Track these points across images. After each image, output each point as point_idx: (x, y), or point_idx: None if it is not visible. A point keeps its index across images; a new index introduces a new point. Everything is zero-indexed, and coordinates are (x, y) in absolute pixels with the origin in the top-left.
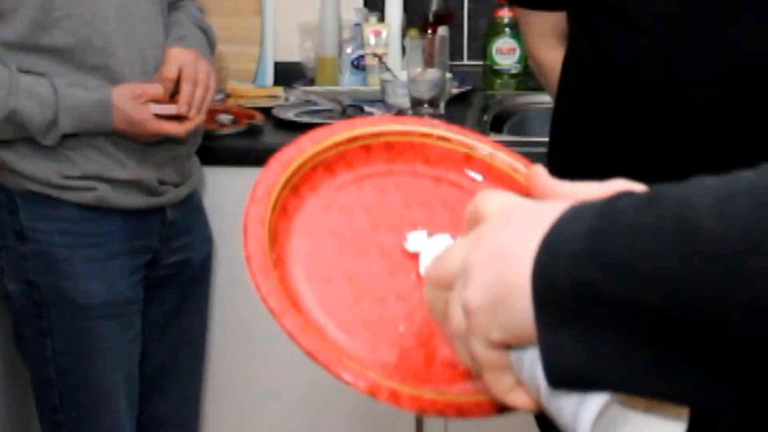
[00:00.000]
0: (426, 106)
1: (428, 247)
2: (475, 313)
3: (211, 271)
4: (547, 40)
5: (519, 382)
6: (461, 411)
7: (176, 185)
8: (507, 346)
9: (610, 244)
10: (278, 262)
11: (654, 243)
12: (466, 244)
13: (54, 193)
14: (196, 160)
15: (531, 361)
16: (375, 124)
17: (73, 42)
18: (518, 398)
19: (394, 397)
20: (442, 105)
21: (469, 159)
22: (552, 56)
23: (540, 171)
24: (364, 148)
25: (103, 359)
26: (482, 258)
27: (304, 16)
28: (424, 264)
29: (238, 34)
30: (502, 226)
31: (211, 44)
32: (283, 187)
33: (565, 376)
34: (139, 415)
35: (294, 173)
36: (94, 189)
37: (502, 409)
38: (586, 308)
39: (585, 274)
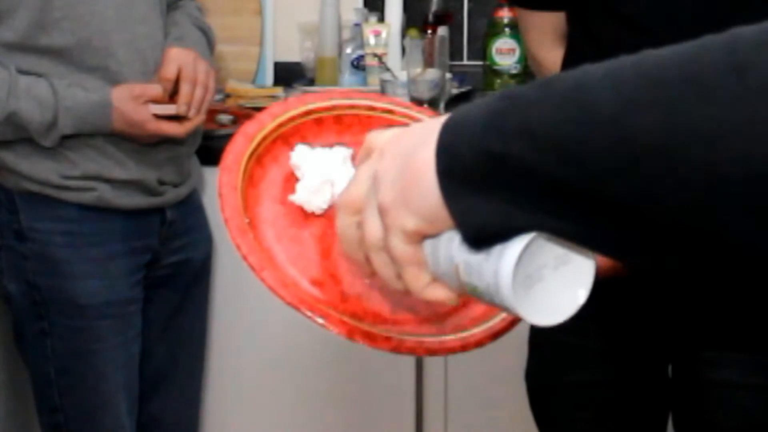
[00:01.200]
0: (426, 106)
1: (311, 158)
2: (389, 208)
3: (211, 271)
4: (547, 40)
5: (435, 279)
6: (429, 350)
7: (176, 185)
8: (422, 238)
9: (509, 116)
10: (251, 224)
11: (550, 111)
12: (369, 165)
13: (54, 193)
14: (195, 160)
15: (446, 242)
16: (325, 99)
17: (72, 43)
18: (436, 292)
19: (370, 338)
20: (441, 105)
21: None
22: (552, 56)
23: None
24: (317, 122)
25: (102, 359)
26: (387, 163)
27: (304, 16)
28: (309, 177)
29: (237, 34)
30: (401, 136)
31: (210, 44)
32: (249, 158)
33: (480, 233)
34: (139, 415)
35: (258, 145)
36: (93, 189)
37: (464, 346)
38: (488, 173)
39: (486, 142)
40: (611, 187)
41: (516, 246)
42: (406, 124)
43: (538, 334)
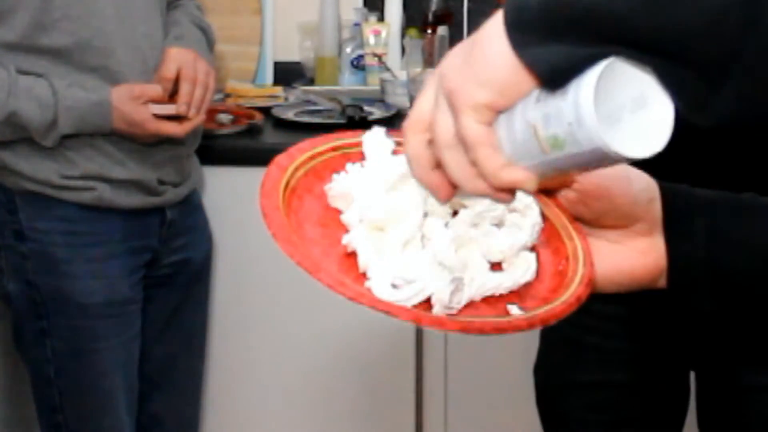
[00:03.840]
0: None
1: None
2: (457, 88)
3: (211, 271)
4: None
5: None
6: (498, 328)
7: (176, 185)
8: (493, 116)
9: None
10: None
11: None
12: (431, 81)
13: (53, 193)
14: (195, 159)
15: (520, 110)
16: (353, 136)
17: (71, 42)
18: (513, 172)
19: (439, 322)
20: None
21: None
22: None
23: None
24: (344, 156)
25: (102, 359)
26: (449, 60)
27: (304, 15)
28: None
29: (237, 33)
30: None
31: (209, 43)
32: (284, 188)
33: (554, 72)
34: (139, 415)
35: (290, 176)
36: (93, 189)
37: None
38: (555, 17)
39: None
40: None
41: (592, 72)
42: None
43: (553, 329)
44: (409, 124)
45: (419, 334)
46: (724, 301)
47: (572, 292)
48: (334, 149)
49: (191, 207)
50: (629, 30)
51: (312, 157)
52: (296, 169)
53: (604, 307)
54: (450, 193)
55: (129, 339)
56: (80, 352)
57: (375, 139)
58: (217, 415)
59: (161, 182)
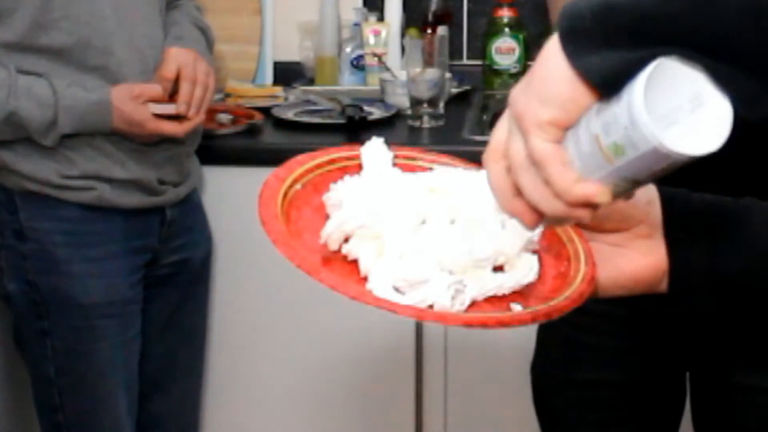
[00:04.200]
0: (425, 105)
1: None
2: (523, 111)
3: (211, 271)
4: None
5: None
6: (468, 322)
7: (176, 185)
8: (560, 133)
9: None
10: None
11: None
12: (505, 115)
13: (53, 192)
14: (195, 159)
15: (584, 124)
16: (351, 150)
17: (71, 42)
18: (584, 187)
19: (441, 317)
20: (441, 105)
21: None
22: None
23: None
24: (341, 170)
25: (102, 359)
26: (517, 88)
27: (304, 15)
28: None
29: (237, 33)
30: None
31: (209, 43)
32: (282, 199)
33: (608, 79)
34: (140, 415)
35: (288, 188)
36: (93, 189)
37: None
38: (607, 24)
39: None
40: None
41: (642, 73)
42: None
43: (549, 328)
44: (487, 153)
45: (419, 335)
46: (725, 304)
47: (575, 289)
48: (332, 162)
49: (191, 207)
50: (680, 30)
51: (309, 170)
52: (294, 181)
53: (599, 306)
54: (535, 219)
55: (129, 339)
56: (80, 352)
57: (374, 149)
58: (217, 415)
59: (161, 182)
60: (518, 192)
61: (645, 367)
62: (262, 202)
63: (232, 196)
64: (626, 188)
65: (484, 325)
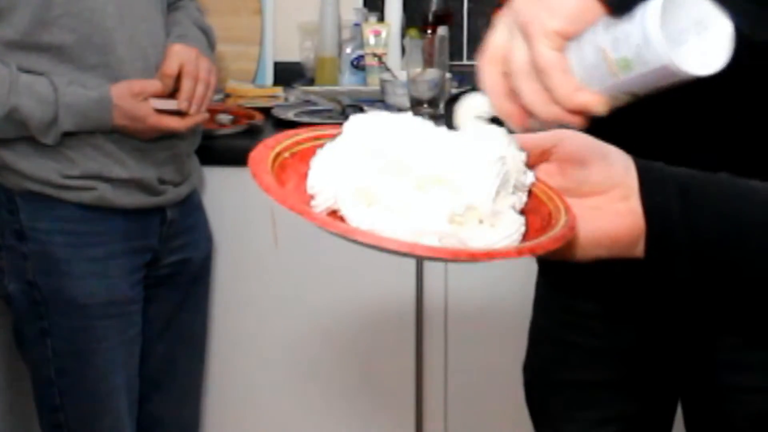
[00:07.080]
0: (425, 106)
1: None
2: (530, 20)
3: (211, 271)
4: None
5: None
6: (455, 255)
7: (176, 184)
8: (564, 42)
9: None
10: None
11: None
12: (504, 18)
13: (54, 192)
14: (195, 159)
15: (590, 36)
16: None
17: (72, 40)
18: (584, 95)
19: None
20: (441, 105)
21: None
22: None
23: None
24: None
25: (103, 359)
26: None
27: (304, 16)
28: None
29: (237, 33)
30: None
31: (211, 44)
32: (273, 163)
33: None
34: (140, 415)
35: (277, 154)
36: (93, 188)
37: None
38: None
39: None
40: None
41: None
42: None
43: (540, 329)
44: (485, 57)
45: (419, 334)
46: (701, 269)
47: (558, 231)
48: (317, 137)
49: (191, 207)
50: None
51: (297, 143)
52: (283, 149)
53: (589, 306)
54: (525, 120)
55: (129, 339)
56: (81, 352)
57: (358, 124)
58: (217, 415)
59: (162, 181)
60: (512, 95)
61: (635, 366)
62: (253, 161)
63: (232, 196)
64: (623, 101)
65: (472, 257)
